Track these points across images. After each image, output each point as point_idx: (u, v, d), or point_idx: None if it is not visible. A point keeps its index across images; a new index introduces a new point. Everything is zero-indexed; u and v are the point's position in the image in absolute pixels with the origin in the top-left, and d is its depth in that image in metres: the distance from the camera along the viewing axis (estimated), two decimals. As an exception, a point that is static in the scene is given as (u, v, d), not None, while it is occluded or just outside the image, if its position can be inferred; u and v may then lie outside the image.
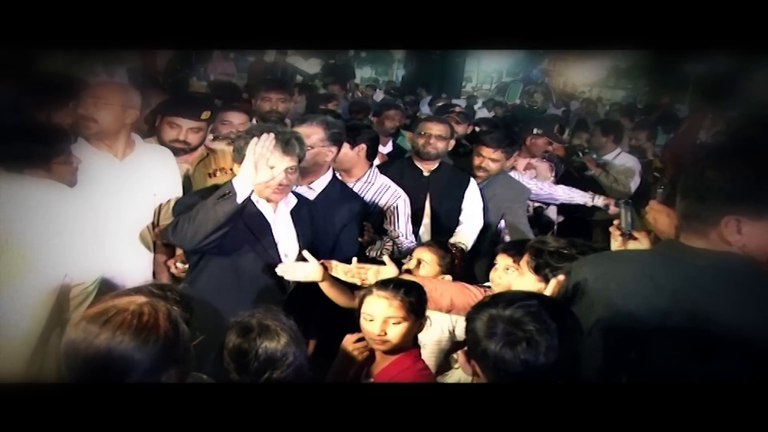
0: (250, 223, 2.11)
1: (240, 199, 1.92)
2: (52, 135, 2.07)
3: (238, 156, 2.06)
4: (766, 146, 1.34)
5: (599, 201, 3.55)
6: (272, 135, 1.97)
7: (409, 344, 1.85)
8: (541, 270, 1.91)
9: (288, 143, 2.08)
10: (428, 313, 1.97)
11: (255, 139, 1.95)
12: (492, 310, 1.22)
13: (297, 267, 2.13)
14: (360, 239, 2.59)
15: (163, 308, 1.18)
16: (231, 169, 2.65)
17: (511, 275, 2.11)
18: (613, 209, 3.19)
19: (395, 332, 1.80)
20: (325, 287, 2.14)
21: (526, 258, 1.97)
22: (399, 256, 2.66)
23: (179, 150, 2.66)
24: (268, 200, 2.16)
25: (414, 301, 1.84)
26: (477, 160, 3.30)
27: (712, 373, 1.11)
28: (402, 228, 2.83)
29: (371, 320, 1.82)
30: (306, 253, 2.12)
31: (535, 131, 4.07)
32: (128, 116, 2.38)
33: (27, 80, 3.14)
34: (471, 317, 1.27)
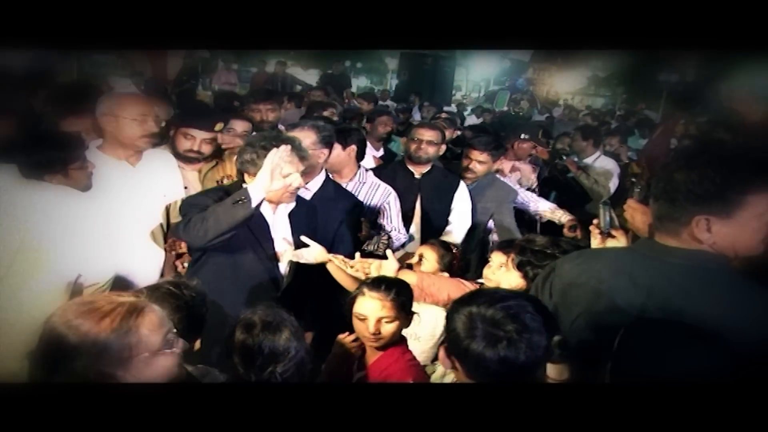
0: (250, 224, 2.12)
1: (254, 205, 1.94)
2: (68, 142, 2.08)
3: (252, 167, 2.07)
4: (730, 149, 1.35)
5: (564, 218, 3.43)
6: (289, 147, 2.00)
7: (398, 338, 1.84)
8: (523, 267, 1.92)
9: (300, 149, 2.12)
10: (426, 307, 1.97)
11: (274, 149, 1.97)
12: (472, 308, 1.20)
13: (304, 251, 2.15)
14: (359, 235, 2.60)
15: (121, 314, 1.12)
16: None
17: (503, 272, 2.11)
18: (567, 232, 3.13)
19: (388, 330, 1.79)
20: (333, 269, 2.15)
21: (511, 255, 1.97)
22: (392, 250, 2.67)
23: (192, 159, 2.68)
24: (271, 202, 2.17)
25: (404, 300, 1.83)
26: (465, 162, 3.31)
27: (685, 365, 1.11)
28: (395, 222, 2.86)
29: (364, 320, 1.80)
30: (304, 238, 2.14)
31: (522, 136, 4.09)
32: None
33: (49, 90, 3.17)
34: (451, 315, 1.25)
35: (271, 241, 2.20)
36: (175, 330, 1.23)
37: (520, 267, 1.90)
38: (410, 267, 2.38)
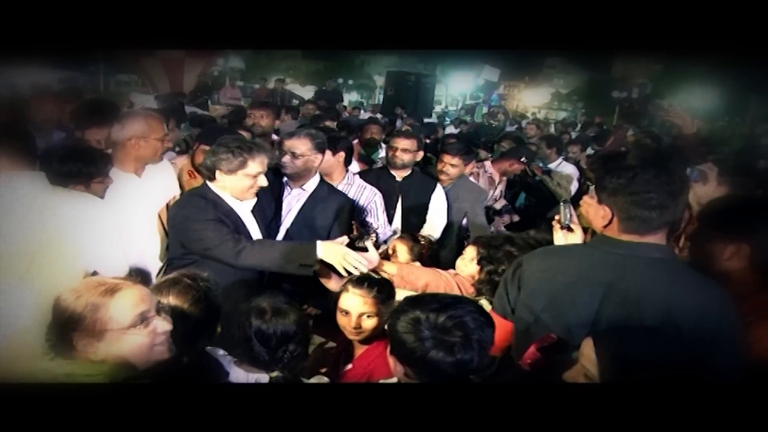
0: (228, 220, 2.11)
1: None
2: (100, 158, 2.11)
3: (226, 164, 2.06)
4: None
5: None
6: (365, 265, 1.92)
7: (380, 332, 1.80)
8: (480, 262, 1.91)
9: (270, 154, 2.19)
10: (404, 293, 1.95)
11: (352, 257, 1.90)
12: (417, 313, 1.16)
13: None
14: (350, 236, 2.58)
15: (99, 292, 1.16)
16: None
17: (474, 265, 2.11)
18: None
19: (369, 325, 1.77)
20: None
21: (476, 250, 1.98)
22: (379, 244, 2.67)
23: (203, 175, 2.67)
24: (236, 197, 2.16)
25: (385, 297, 1.80)
26: (440, 165, 3.32)
27: (643, 350, 1.09)
28: (381, 220, 2.87)
29: (347, 314, 1.78)
30: None
31: (522, 159, 4.06)
32: None
33: (77, 104, 3.13)
34: (393, 322, 1.19)
35: (247, 231, 2.18)
36: (154, 312, 1.21)
37: (478, 262, 1.89)
38: (387, 258, 2.37)
